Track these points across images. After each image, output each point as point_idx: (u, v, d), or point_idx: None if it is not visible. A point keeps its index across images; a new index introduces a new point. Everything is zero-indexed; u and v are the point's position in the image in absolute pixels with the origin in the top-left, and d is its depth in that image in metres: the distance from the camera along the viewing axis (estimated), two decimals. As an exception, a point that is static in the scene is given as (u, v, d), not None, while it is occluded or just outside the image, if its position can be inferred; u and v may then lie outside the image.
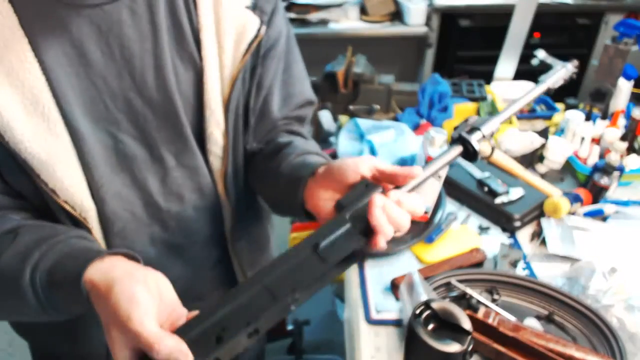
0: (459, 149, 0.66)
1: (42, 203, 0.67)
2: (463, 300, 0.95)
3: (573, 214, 1.17)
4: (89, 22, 0.61)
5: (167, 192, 0.75)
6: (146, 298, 0.50)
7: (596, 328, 0.89)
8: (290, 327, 1.99)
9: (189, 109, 0.72)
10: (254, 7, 0.72)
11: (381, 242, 0.57)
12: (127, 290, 0.50)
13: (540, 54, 0.87)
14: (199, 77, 0.71)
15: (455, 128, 0.67)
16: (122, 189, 0.71)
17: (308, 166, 0.69)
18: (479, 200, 1.21)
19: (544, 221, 1.16)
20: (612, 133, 1.35)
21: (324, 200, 0.63)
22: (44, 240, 0.61)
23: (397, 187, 0.62)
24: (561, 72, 0.78)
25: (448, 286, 0.97)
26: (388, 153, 1.32)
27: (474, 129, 0.66)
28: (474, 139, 0.65)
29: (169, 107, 0.69)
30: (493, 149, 0.72)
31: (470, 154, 0.66)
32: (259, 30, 0.71)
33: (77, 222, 0.68)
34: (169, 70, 0.67)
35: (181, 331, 0.50)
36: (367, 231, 0.58)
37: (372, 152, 1.34)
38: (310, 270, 0.54)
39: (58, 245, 0.60)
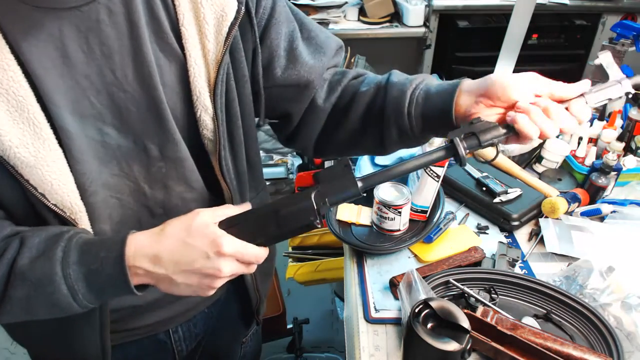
0: (442, 152, 0.67)
1: (27, 209, 0.69)
2: (461, 299, 0.96)
3: (571, 213, 1.18)
4: (68, 24, 0.63)
5: (152, 179, 0.76)
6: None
7: (593, 327, 0.89)
8: (289, 326, 1.99)
9: (176, 98, 0.73)
10: None
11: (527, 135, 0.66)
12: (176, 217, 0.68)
13: (604, 59, 0.76)
14: (182, 66, 0.72)
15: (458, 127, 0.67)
16: (110, 178, 0.73)
17: (446, 91, 0.74)
18: (478, 200, 1.22)
19: (542, 221, 1.17)
20: (610, 133, 1.36)
21: (485, 115, 0.69)
22: (57, 237, 0.66)
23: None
24: (611, 89, 0.68)
25: (446, 285, 0.97)
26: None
27: (471, 134, 0.66)
28: (462, 147, 0.65)
29: (151, 100, 0.70)
30: (498, 152, 0.71)
31: (457, 159, 0.67)
32: (237, 12, 0.72)
33: (67, 224, 0.70)
34: (149, 64, 0.68)
35: None
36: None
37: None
38: (267, 230, 0.68)
39: (74, 239, 0.66)
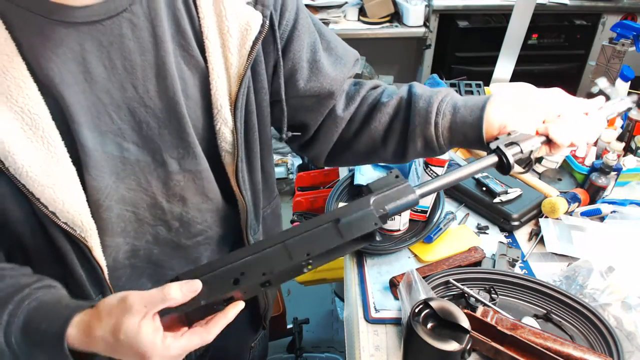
0: (493, 159, 0.72)
1: (35, 227, 0.67)
2: (461, 299, 0.96)
3: (571, 213, 1.18)
4: (90, 38, 0.62)
5: (170, 194, 0.76)
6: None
7: (593, 327, 0.89)
8: (290, 326, 1.99)
9: (198, 110, 0.73)
10: (255, 3, 0.72)
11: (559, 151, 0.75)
12: (111, 297, 0.61)
13: (602, 83, 0.94)
14: (205, 78, 0.72)
15: (496, 138, 0.73)
16: (126, 193, 0.72)
17: (475, 105, 0.78)
18: (478, 200, 1.22)
19: (542, 221, 1.17)
20: (610, 133, 1.36)
21: (520, 124, 0.74)
22: (10, 297, 0.63)
23: None
24: (618, 105, 0.83)
25: (447, 285, 0.97)
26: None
27: (512, 144, 0.72)
28: (510, 155, 0.71)
29: (172, 114, 0.70)
30: (532, 163, 0.77)
31: (504, 166, 0.71)
32: (262, 26, 0.72)
33: (77, 243, 0.69)
34: (172, 78, 0.68)
35: (204, 269, 0.61)
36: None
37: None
38: (327, 241, 0.62)
39: (24, 302, 0.63)
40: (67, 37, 0.60)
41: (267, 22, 0.72)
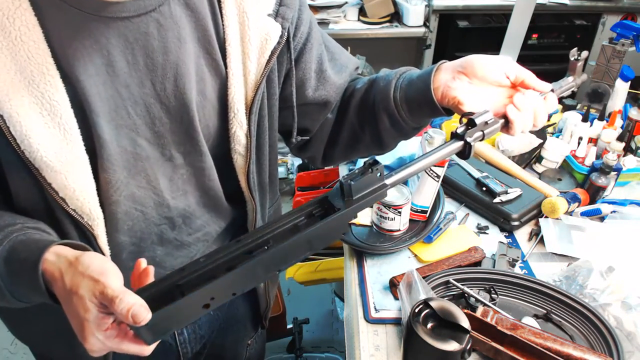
0: (459, 145, 0.71)
1: (45, 211, 0.69)
2: (461, 299, 0.96)
3: (571, 213, 1.18)
4: (117, 34, 0.63)
5: (175, 188, 0.77)
6: (115, 266, 0.58)
7: (593, 327, 0.89)
8: (290, 326, 1.99)
9: (213, 113, 0.75)
10: (276, 15, 0.75)
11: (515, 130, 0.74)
12: (98, 256, 0.59)
13: (584, 56, 0.94)
14: (223, 82, 0.74)
15: (472, 123, 0.72)
16: (136, 190, 0.74)
17: (425, 72, 0.79)
18: (478, 200, 1.22)
19: (542, 221, 1.17)
20: (610, 133, 1.36)
21: (462, 91, 0.74)
22: (1, 229, 0.64)
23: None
24: (565, 86, 0.85)
25: (447, 285, 0.97)
26: (387, 153, 1.33)
27: (477, 129, 0.72)
28: (473, 138, 0.71)
29: (184, 112, 0.72)
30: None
31: (465, 155, 0.72)
32: (281, 37, 0.75)
33: (84, 230, 0.70)
34: (189, 79, 0.70)
35: (172, 278, 0.57)
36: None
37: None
38: (297, 254, 0.63)
39: (13, 234, 0.64)
40: (96, 30, 0.62)
41: (286, 33, 0.75)
